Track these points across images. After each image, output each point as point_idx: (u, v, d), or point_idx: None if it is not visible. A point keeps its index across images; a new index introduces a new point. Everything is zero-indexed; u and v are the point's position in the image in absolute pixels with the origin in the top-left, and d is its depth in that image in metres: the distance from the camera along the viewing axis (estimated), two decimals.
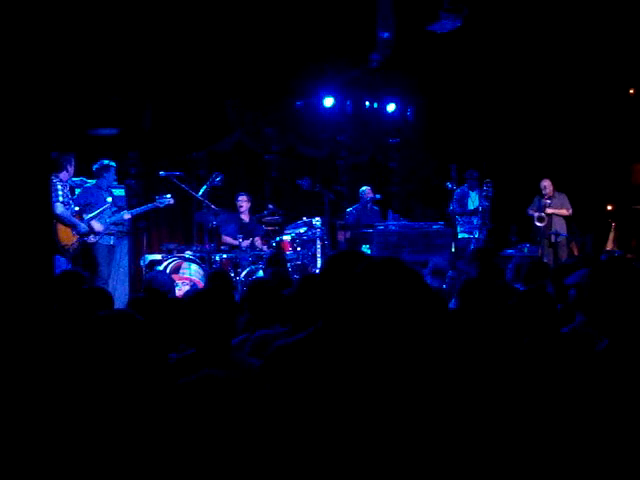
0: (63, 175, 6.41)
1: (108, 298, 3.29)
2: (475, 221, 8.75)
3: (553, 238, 8.80)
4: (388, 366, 1.77)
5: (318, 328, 2.16)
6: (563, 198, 9.03)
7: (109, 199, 6.81)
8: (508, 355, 2.12)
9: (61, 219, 6.26)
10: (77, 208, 6.54)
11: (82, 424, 1.73)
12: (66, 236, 6.31)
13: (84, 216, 6.88)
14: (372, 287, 1.78)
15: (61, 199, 6.28)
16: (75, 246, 6.39)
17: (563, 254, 8.78)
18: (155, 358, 1.88)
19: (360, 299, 1.81)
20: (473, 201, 8.88)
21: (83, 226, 6.46)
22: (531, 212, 9.09)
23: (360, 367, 1.79)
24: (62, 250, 6.29)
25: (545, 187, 9.01)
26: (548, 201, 8.94)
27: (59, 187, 6.30)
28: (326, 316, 2.15)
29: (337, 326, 2.09)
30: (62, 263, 6.32)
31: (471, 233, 8.75)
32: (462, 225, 8.86)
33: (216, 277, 4.54)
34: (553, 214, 8.93)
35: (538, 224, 8.88)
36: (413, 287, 1.82)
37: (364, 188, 9.21)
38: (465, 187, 8.94)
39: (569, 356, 2.11)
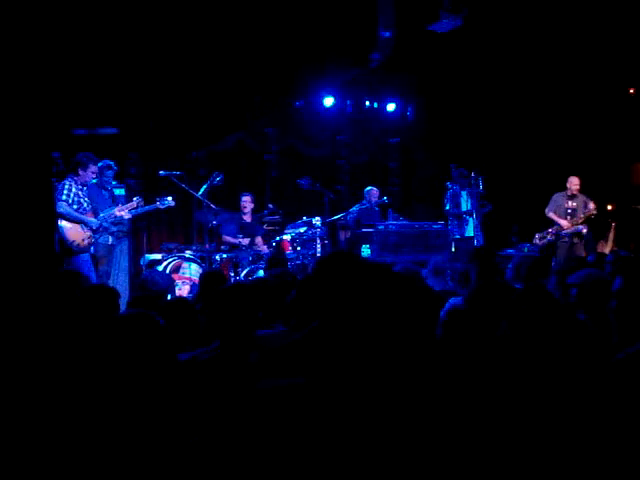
0: (78, 178, 6.40)
1: (113, 296, 3.26)
2: (471, 221, 8.73)
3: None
4: (384, 367, 1.76)
5: (313, 328, 2.16)
6: (586, 198, 8.66)
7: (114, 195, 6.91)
8: (511, 354, 2.11)
9: (66, 217, 6.25)
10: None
11: (91, 423, 1.73)
12: (74, 233, 6.28)
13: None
14: (367, 290, 1.78)
15: (64, 197, 6.26)
16: (87, 242, 6.37)
17: (581, 253, 8.61)
18: (170, 360, 1.89)
19: (355, 301, 1.81)
20: (465, 201, 8.85)
21: (94, 221, 6.46)
22: (553, 216, 8.60)
23: (356, 368, 1.79)
24: (75, 248, 6.26)
25: (574, 184, 8.60)
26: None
27: (66, 186, 6.31)
28: (321, 316, 2.15)
29: (332, 326, 2.09)
30: (84, 260, 6.30)
31: (462, 234, 8.72)
32: (456, 227, 8.82)
33: (208, 278, 4.48)
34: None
35: (575, 240, 8.54)
36: (408, 290, 1.82)
37: (369, 188, 9.18)
38: (457, 187, 8.90)
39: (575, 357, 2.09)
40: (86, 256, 6.38)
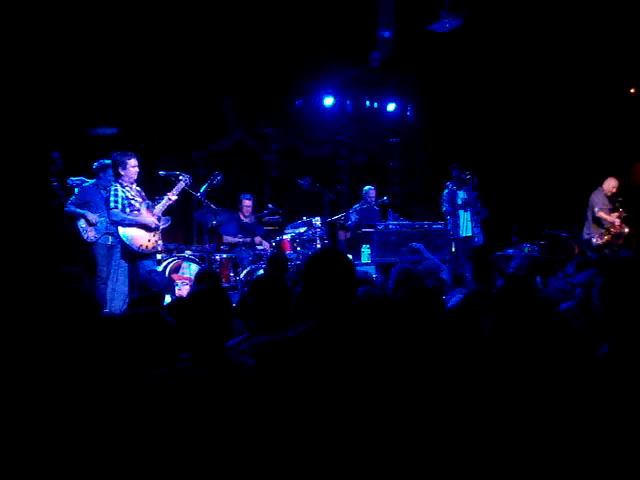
0: (122, 179, 6.11)
1: (88, 300, 3.19)
2: (468, 217, 8.69)
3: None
4: (386, 366, 1.75)
5: (311, 327, 2.14)
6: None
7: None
8: (504, 353, 2.10)
9: (122, 224, 5.98)
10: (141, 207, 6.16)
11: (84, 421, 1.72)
12: (138, 237, 6.01)
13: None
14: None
15: (112, 205, 5.97)
16: (153, 242, 6.07)
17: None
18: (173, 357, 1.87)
19: (351, 301, 1.80)
20: (461, 199, 8.82)
21: (151, 220, 6.11)
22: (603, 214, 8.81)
23: (355, 367, 1.78)
24: (143, 251, 6.01)
25: (616, 187, 8.87)
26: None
27: (112, 193, 6.01)
28: (317, 316, 2.14)
29: (332, 326, 2.08)
30: (147, 265, 6.03)
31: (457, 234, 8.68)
32: (452, 228, 8.78)
33: (203, 278, 4.44)
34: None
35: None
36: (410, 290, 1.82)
37: (367, 188, 9.19)
38: (455, 186, 8.84)
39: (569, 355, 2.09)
40: (150, 262, 6.09)
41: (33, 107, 7.08)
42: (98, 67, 7.69)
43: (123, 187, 6.09)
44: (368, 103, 10.62)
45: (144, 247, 6.04)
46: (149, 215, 6.16)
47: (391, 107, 10.71)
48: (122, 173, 6.12)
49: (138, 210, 6.13)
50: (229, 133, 9.64)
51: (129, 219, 6.02)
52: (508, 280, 2.79)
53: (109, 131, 8.28)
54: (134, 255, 6.05)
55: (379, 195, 9.19)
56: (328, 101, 10.14)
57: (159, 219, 6.22)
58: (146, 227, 6.09)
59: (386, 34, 8.62)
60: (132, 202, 6.11)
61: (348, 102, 10.40)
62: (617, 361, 1.83)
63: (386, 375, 1.74)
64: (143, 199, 6.24)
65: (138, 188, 6.28)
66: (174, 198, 6.33)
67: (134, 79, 8.19)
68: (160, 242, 6.22)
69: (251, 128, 9.83)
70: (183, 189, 6.46)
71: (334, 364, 1.84)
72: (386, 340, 1.82)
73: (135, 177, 6.20)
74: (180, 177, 6.44)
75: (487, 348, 2.09)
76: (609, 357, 1.86)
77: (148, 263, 6.08)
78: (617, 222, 8.78)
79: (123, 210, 6.02)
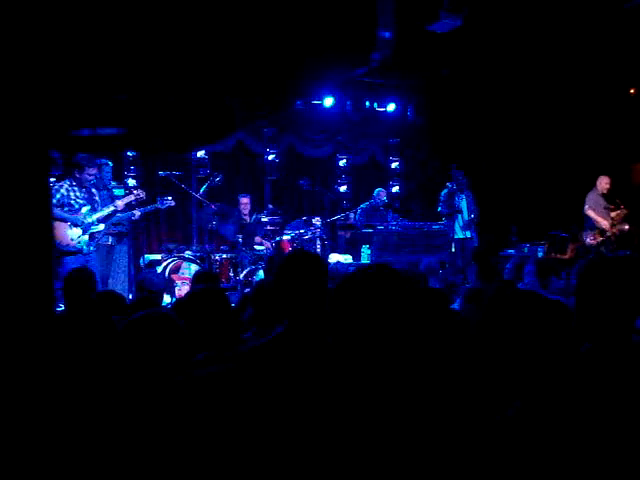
0: (75, 180, 6.21)
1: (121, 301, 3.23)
2: (461, 221, 8.68)
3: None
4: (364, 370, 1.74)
5: (286, 329, 2.14)
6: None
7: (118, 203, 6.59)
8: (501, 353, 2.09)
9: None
10: (85, 208, 6.30)
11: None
12: (60, 234, 6.08)
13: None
14: (365, 291, 1.76)
15: (54, 201, 6.07)
16: (75, 243, 6.15)
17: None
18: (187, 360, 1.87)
19: (349, 303, 1.78)
20: (459, 201, 8.80)
21: (76, 218, 6.19)
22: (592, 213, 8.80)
23: (332, 370, 1.77)
24: (63, 248, 6.07)
25: (608, 184, 8.86)
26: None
27: (56, 187, 6.14)
28: (291, 317, 2.14)
29: (306, 327, 2.08)
30: (71, 263, 6.03)
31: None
32: (450, 228, 8.78)
33: (200, 279, 4.42)
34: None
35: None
36: (406, 292, 1.80)
37: (379, 190, 9.21)
38: (455, 187, 8.83)
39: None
40: (76, 259, 6.11)
41: (32, 107, 7.08)
42: (98, 67, 7.69)
43: (71, 186, 6.19)
44: (368, 103, 10.62)
45: (64, 243, 6.08)
46: (81, 215, 6.22)
47: (391, 107, 10.71)
48: (76, 175, 6.21)
49: (76, 211, 6.20)
50: (229, 134, 9.65)
51: (56, 214, 6.05)
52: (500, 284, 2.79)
53: (109, 131, 8.28)
54: (56, 251, 6.07)
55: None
56: (328, 101, 10.15)
57: (93, 223, 6.27)
58: (72, 225, 6.13)
59: (386, 34, 8.62)
60: (72, 202, 6.20)
61: (348, 102, 10.41)
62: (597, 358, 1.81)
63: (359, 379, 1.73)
64: (92, 203, 6.31)
65: (94, 191, 6.37)
66: (120, 208, 6.46)
67: (134, 79, 8.19)
68: (86, 242, 6.24)
69: (251, 128, 9.84)
70: (133, 202, 6.60)
71: (304, 367, 1.83)
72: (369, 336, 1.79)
73: (86, 185, 6.29)
74: (134, 191, 6.62)
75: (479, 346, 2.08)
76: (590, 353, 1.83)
77: (70, 260, 6.08)
78: (605, 224, 8.72)
79: (59, 207, 6.09)
